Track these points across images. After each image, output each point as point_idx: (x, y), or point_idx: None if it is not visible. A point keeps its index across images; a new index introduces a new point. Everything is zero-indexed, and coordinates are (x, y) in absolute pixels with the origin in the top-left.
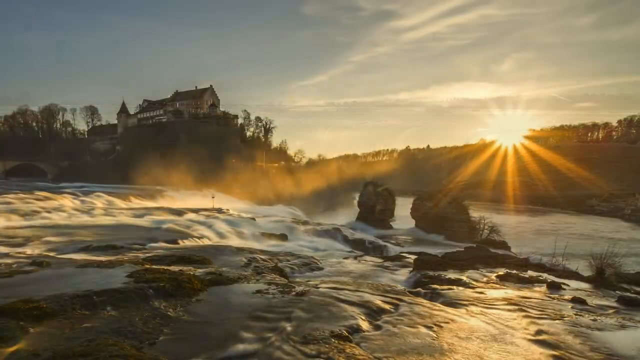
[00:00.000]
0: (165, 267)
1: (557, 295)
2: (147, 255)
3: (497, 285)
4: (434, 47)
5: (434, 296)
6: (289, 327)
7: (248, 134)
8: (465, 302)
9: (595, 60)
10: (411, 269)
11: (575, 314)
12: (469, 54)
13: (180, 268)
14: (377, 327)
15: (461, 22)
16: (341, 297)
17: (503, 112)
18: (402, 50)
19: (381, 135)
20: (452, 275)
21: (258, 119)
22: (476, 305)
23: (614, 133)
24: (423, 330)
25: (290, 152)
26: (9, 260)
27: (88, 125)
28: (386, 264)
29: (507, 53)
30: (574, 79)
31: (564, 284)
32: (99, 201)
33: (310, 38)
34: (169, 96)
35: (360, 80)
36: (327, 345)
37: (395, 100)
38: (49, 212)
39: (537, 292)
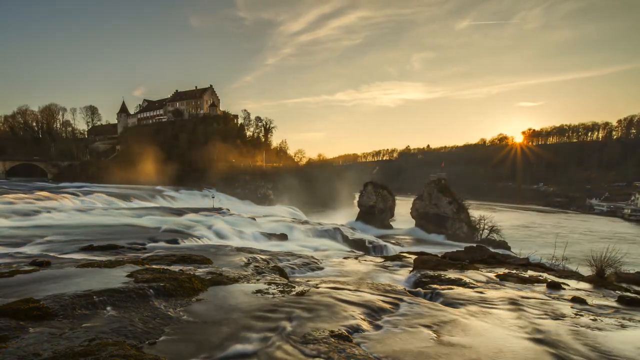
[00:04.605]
0: (166, 267)
1: (557, 295)
2: (147, 255)
3: (497, 285)
4: (334, 47)
5: (434, 296)
6: (289, 326)
7: (248, 133)
8: (465, 302)
9: (507, 60)
10: (411, 268)
11: (575, 314)
12: (371, 54)
13: (181, 268)
14: (377, 327)
15: (345, 24)
16: (341, 296)
17: (464, 110)
18: (307, 53)
19: (349, 136)
20: (452, 275)
21: (258, 118)
22: (476, 305)
23: (614, 133)
24: (423, 330)
25: (290, 152)
26: (9, 260)
27: (88, 125)
28: (386, 263)
29: (409, 53)
30: (504, 77)
31: (564, 283)
32: (99, 201)
33: (214, 46)
34: (169, 96)
35: (290, 80)
36: (327, 345)
37: (337, 101)
38: (49, 212)
39: (537, 292)
